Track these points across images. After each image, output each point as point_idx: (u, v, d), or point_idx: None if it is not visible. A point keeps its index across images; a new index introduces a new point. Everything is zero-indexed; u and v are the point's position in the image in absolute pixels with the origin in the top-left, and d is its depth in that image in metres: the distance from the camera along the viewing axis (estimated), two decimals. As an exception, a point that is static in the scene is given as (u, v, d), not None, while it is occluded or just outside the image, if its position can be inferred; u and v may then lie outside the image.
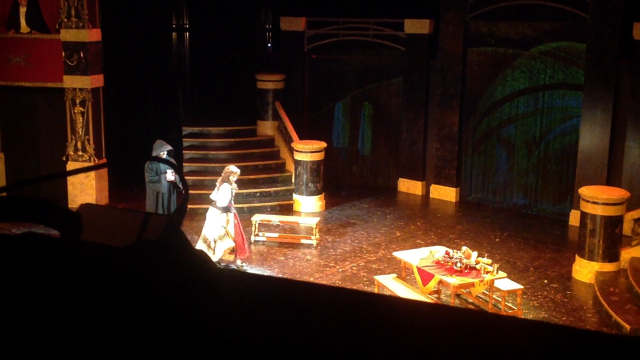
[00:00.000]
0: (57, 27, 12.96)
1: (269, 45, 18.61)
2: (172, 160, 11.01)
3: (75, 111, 13.18)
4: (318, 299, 1.04)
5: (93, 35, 13.05)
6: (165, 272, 1.14)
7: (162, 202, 10.93)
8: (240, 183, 14.48)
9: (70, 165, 13.27)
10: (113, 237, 1.42)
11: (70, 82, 13.04)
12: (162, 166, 10.72)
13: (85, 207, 1.57)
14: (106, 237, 1.41)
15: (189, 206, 12.28)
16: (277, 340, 0.94)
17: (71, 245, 1.31)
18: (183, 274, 1.14)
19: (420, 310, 1.00)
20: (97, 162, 13.24)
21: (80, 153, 13.26)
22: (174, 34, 18.03)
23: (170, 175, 10.70)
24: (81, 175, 12.98)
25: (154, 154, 10.74)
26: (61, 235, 1.45)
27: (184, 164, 14.22)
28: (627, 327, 8.74)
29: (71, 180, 13.11)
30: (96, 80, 13.24)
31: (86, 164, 12.92)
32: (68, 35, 12.90)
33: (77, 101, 13.15)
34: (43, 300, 1.05)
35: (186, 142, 14.76)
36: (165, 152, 10.71)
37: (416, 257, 9.75)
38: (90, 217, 1.52)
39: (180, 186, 10.89)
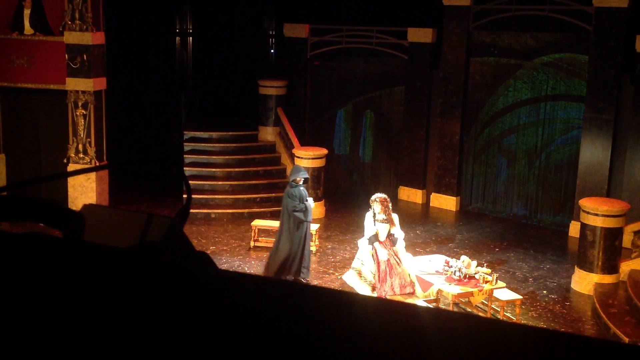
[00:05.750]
0: (60, 29, 12.99)
1: (272, 51, 18.64)
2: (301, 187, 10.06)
3: (77, 113, 13.19)
4: (318, 300, 1.04)
5: (96, 38, 13.08)
6: (167, 273, 1.14)
7: (304, 232, 9.97)
8: (241, 188, 14.49)
9: (71, 168, 13.27)
10: (115, 238, 1.42)
11: (73, 84, 13.06)
12: (304, 192, 9.97)
13: (88, 207, 1.57)
14: (108, 238, 1.41)
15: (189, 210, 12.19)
16: (277, 341, 0.94)
17: (73, 246, 1.31)
18: (185, 275, 1.14)
19: (419, 313, 1.00)
20: (98, 164, 13.23)
21: (81, 155, 13.27)
22: (177, 38, 18.07)
23: (312, 201, 10.15)
24: (82, 178, 12.98)
25: (292, 178, 10.00)
26: (63, 236, 1.45)
27: (185, 168, 14.23)
28: (626, 339, 8.73)
29: (72, 182, 13.10)
30: (99, 83, 13.26)
31: (87, 166, 12.91)
32: (71, 37, 12.92)
33: (80, 104, 13.16)
34: (45, 300, 1.05)
35: (187, 146, 14.77)
36: (303, 178, 10.06)
37: (416, 265, 9.74)
38: (92, 218, 1.52)
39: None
